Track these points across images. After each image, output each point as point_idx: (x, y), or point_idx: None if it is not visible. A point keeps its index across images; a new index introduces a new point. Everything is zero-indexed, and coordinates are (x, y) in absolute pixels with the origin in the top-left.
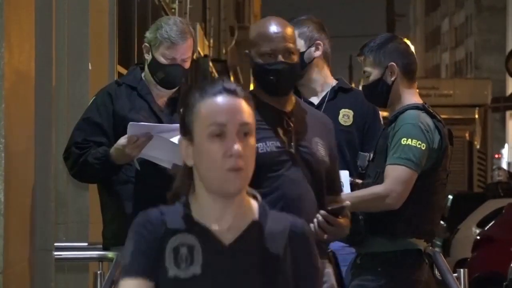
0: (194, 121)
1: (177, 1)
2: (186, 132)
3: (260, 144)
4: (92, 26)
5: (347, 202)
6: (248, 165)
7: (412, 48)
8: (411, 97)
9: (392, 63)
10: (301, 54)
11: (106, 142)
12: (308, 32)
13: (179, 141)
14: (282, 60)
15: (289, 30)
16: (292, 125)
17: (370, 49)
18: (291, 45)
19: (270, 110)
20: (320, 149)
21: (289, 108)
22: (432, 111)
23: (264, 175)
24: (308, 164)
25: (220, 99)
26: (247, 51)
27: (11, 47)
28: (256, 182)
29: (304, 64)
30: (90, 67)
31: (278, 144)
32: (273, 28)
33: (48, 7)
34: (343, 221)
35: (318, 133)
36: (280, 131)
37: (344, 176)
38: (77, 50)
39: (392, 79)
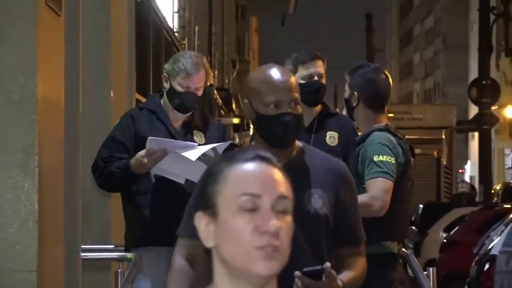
0: (219, 192)
1: (186, 38)
2: (207, 205)
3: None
4: (113, 59)
5: (327, 264)
6: (285, 246)
7: (389, 77)
8: (376, 119)
9: (355, 92)
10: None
11: (127, 158)
12: (325, 65)
13: (197, 216)
14: (289, 111)
15: (293, 79)
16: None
17: (352, 73)
18: (296, 95)
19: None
20: (315, 201)
21: (283, 160)
22: (394, 131)
23: None
24: (297, 219)
25: (254, 166)
26: (246, 100)
27: (43, 77)
28: None
29: None
30: (112, 95)
31: None
32: (278, 77)
33: (75, 42)
34: (325, 283)
35: (317, 184)
36: None
37: None
38: (100, 80)
39: (354, 104)
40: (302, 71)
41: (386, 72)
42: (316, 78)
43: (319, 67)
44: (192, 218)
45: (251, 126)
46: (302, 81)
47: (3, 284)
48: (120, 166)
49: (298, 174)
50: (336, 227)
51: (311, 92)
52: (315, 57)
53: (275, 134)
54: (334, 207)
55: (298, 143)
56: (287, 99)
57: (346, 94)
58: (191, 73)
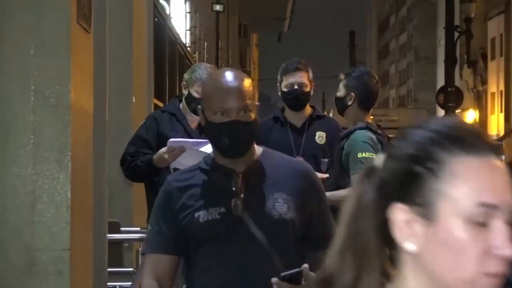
0: (443, 192)
1: (197, 52)
2: (419, 202)
3: (201, 213)
4: (135, 70)
5: (305, 265)
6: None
7: (378, 84)
8: (362, 118)
9: (352, 93)
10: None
11: (151, 154)
12: (311, 74)
13: (395, 207)
14: (236, 119)
15: (246, 84)
16: (240, 185)
17: (348, 75)
18: (248, 102)
19: (220, 171)
20: (279, 205)
21: (242, 167)
22: (373, 129)
23: (206, 249)
24: (262, 226)
25: (490, 164)
26: (199, 106)
27: (75, 85)
28: (198, 257)
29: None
30: (133, 100)
31: (223, 210)
32: (227, 82)
33: (102, 56)
34: (305, 286)
35: (281, 187)
36: (227, 195)
37: None
38: (123, 87)
39: (349, 103)
40: (285, 81)
41: (376, 78)
42: (296, 87)
43: (300, 77)
44: (157, 233)
45: None
46: (285, 89)
47: (42, 260)
48: (144, 161)
49: (259, 179)
50: (305, 231)
51: (291, 99)
52: (297, 69)
53: (222, 143)
54: (300, 210)
55: (258, 148)
56: (235, 106)
57: (341, 93)
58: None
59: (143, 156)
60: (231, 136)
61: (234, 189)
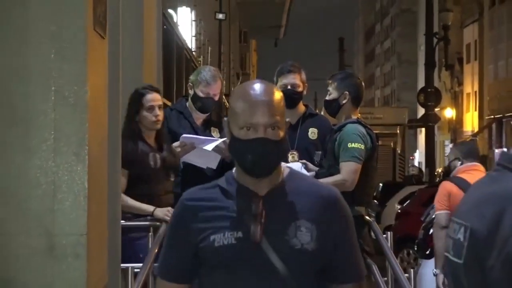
0: None
1: (201, 56)
2: None
3: (216, 236)
4: (145, 72)
5: None
6: None
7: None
8: (353, 114)
9: (347, 92)
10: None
11: None
12: (303, 76)
13: None
14: (263, 136)
15: (277, 98)
16: (261, 209)
17: (336, 78)
18: (277, 118)
19: (241, 192)
20: (302, 234)
21: (265, 189)
22: (364, 123)
23: (219, 276)
24: (281, 255)
25: None
26: (225, 118)
27: (91, 86)
28: (210, 284)
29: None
30: None
31: (240, 234)
32: (257, 95)
33: (116, 59)
34: None
35: (305, 215)
36: (247, 219)
37: (297, 167)
38: (135, 88)
39: (344, 102)
40: (280, 82)
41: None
42: (289, 87)
43: (293, 78)
44: (171, 259)
45: None
46: (280, 89)
47: (62, 244)
48: None
49: (282, 204)
50: (328, 264)
51: (285, 98)
52: (290, 71)
53: (246, 162)
54: (324, 241)
55: (285, 168)
56: (263, 122)
57: (334, 95)
58: (210, 82)
59: None
60: (257, 155)
61: (254, 213)
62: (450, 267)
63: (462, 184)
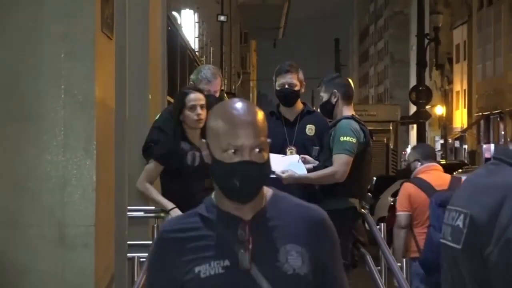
0: None
1: (204, 56)
2: None
3: (202, 268)
4: (151, 71)
5: None
6: None
7: (352, 83)
8: (347, 111)
9: (335, 90)
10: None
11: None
12: (301, 75)
13: None
14: (249, 159)
15: (260, 118)
16: (248, 235)
17: (323, 81)
18: (262, 139)
19: (224, 219)
20: (293, 258)
21: (250, 214)
22: (358, 119)
23: None
24: (273, 282)
25: None
26: (204, 140)
27: (99, 85)
28: None
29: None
30: (150, 97)
31: (227, 263)
32: (240, 116)
33: (123, 59)
34: None
35: (294, 238)
36: (233, 246)
37: (295, 160)
38: (141, 86)
39: (334, 100)
40: (278, 81)
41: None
42: (286, 86)
43: (290, 78)
44: None
45: None
46: (278, 88)
47: (72, 234)
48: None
49: (269, 228)
50: (320, 286)
51: (282, 96)
52: (287, 71)
53: (231, 186)
54: (315, 264)
55: (267, 191)
56: (249, 144)
57: (325, 98)
58: (211, 80)
59: None
60: (243, 179)
61: (241, 239)
62: (447, 252)
63: (421, 184)
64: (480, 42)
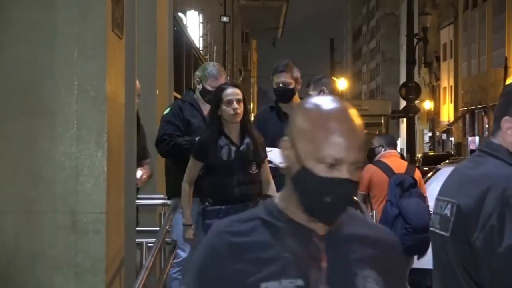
0: None
1: (208, 54)
2: None
3: (270, 285)
4: (158, 68)
5: None
6: None
7: (342, 80)
8: None
9: (323, 87)
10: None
11: (180, 135)
12: (295, 73)
13: None
14: (348, 177)
15: (362, 130)
16: (323, 253)
17: (312, 82)
18: (362, 155)
19: (295, 230)
20: (371, 286)
21: (323, 228)
22: None
23: None
24: None
25: None
26: (286, 138)
27: (110, 81)
28: None
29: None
30: (157, 93)
31: (301, 282)
32: (345, 125)
33: (132, 57)
34: None
35: (371, 262)
36: (306, 263)
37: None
38: (149, 82)
39: None
40: (274, 80)
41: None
42: (281, 85)
43: (284, 77)
44: None
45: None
46: (274, 86)
47: (84, 221)
48: (188, 140)
49: (344, 249)
50: None
51: (278, 94)
52: (282, 71)
53: (319, 203)
54: None
55: None
56: (351, 159)
57: (314, 95)
58: (217, 77)
59: (182, 137)
60: (336, 198)
61: (315, 255)
62: (436, 240)
63: (383, 167)
64: (466, 42)
